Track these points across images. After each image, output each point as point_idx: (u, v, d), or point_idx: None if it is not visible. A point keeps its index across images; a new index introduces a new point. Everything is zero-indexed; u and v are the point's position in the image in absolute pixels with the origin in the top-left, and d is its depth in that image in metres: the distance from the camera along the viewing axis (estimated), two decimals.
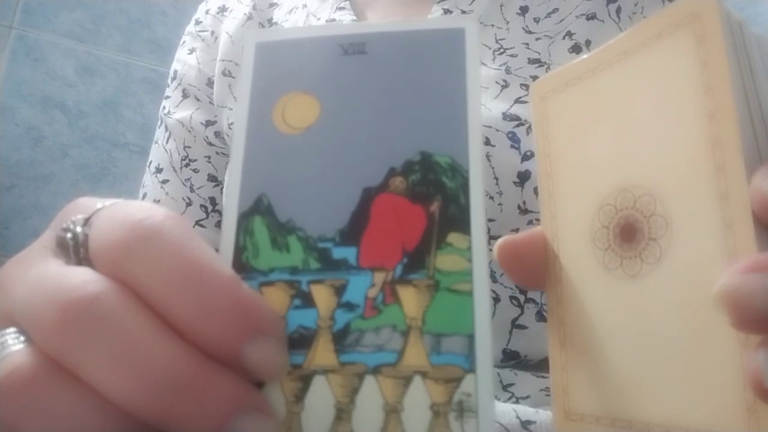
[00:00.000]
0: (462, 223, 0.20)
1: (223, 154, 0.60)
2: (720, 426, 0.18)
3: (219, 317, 0.18)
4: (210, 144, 0.60)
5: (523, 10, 0.53)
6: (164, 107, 0.63)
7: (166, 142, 0.61)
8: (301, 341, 0.20)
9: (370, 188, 0.21)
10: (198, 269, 0.18)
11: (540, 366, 0.43)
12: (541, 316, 0.43)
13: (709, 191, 0.19)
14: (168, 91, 0.64)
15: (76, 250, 0.20)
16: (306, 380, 0.19)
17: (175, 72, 0.64)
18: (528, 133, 0.45)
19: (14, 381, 0.18)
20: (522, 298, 0.43)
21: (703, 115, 0.20)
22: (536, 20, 0.53)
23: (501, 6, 0.53)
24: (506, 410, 0.35)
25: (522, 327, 0.42)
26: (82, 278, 0.18)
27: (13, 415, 0.18)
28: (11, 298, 0.20)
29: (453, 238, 0.20)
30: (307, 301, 0.20)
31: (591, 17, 0.52)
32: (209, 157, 0.60)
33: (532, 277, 0.26)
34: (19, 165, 1.27)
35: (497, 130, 0.44)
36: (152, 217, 0.19)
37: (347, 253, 0.20)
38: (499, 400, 0.39)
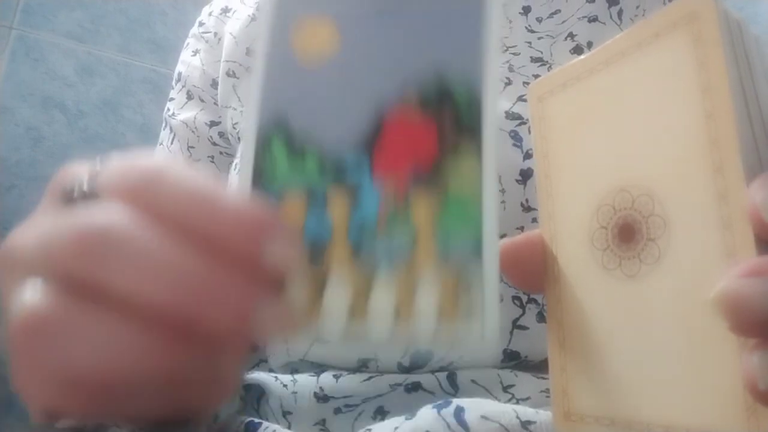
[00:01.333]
0: (473, 133, 0.21)
1: (227, 154, 0.61)
2: (720, 426, 0.18)
3: (236, 227, 0.19)
4: (214, 144, 0.61)
5: (526, 9, 0.54)
6: (168, 109, 0.64)
7: (171, 144, 0.62)
8: (317, 250, 0.21)
9: (383, 102, 0.22)
10: (211, 190, 0.19)
11: (540, 367, 0.43)
12: (542, 317, 0.43)
13: (708, 191, 0.19)
14: (172, 93, 0.65)
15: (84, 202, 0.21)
16: (321, 285, 0.21)
17: (179, 74, 0.65)
18: (530, 132, 0.45)
19: (37, 318, 0.18)
20: (524, 298, 0.43)
21: (700, 115, 0.19)
22: (539, 20, 0.53)
23: (503, 5, 0.53)
24: (506, 410, 0.35)
25: (523, 327, 0.42)
26: (97, 208, 0.19)
27: (45, 350, 0.18)
28: (25, 250, 0.20)
29: (464, 147, 0.21)
30: (323, 211, 0.21)
31: (593, 20, 0.52)
32: (212, 157, 0.61)
33: (531, 281, 0.26)
34: (19, 165, 1.27)
35: (500, 129, 0.44)
36: (158, 159, 0.20)
37: (361, 163, 0.22)
38: (499, 400, 0.39)
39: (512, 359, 0.42)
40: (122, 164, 0.20)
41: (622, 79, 0.22)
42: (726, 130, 0.19)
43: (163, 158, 0.20)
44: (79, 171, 0.21)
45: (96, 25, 1.39)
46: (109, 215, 0.18)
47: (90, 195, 0.20)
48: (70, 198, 0.21)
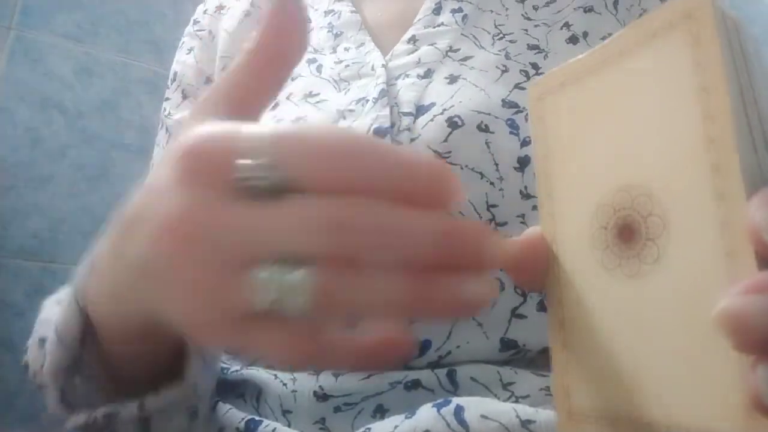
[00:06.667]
0: None
1: None
2: (720, 425, 0.18)
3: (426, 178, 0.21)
4: None
5: None
6: (164, 109, 0.63)
7: (167, 144, 0.61)
8: None
9: None
10: (397, 152, 0.21)
11: (539, 361, 0.43)
12: (542, 306, 0.43)
13: (706, 191, 0.19)
14: (168, 93, 0.64)
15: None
16: None
17: (175, 73, 0.64)
18: (527, 120, 0.45)
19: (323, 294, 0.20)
20: None
21: (698, 115, 0.20)
22: (535, 8, 0.53)
23: None
24: (506, 409, 0.35)
25: (522, 316, 0.42)
26: (332, 202, 0.20)
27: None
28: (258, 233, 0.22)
29: None
30: None
31: (588, 10, 0.52)
32: None
33: (533, 280, 0.26)
34: (18, 166, 1.26)
35: (496, 117, 0.44)
36: (330, 134, 0.21)
37: None
38: (498, 398, 0.39)
39: (509, 348, 0.42)
40: (301, 147, 0.21)
41: (620, 80, 0.22)
42: (724, 130, 0.19)
43: (335, 133, 0.21)
44: (238, 157, 0.22)
45: (95, 26, 1.39)
46: (346, 208, 0.20)
47: (277, 184, 0.21)
48: (245, 187, 0.21)
